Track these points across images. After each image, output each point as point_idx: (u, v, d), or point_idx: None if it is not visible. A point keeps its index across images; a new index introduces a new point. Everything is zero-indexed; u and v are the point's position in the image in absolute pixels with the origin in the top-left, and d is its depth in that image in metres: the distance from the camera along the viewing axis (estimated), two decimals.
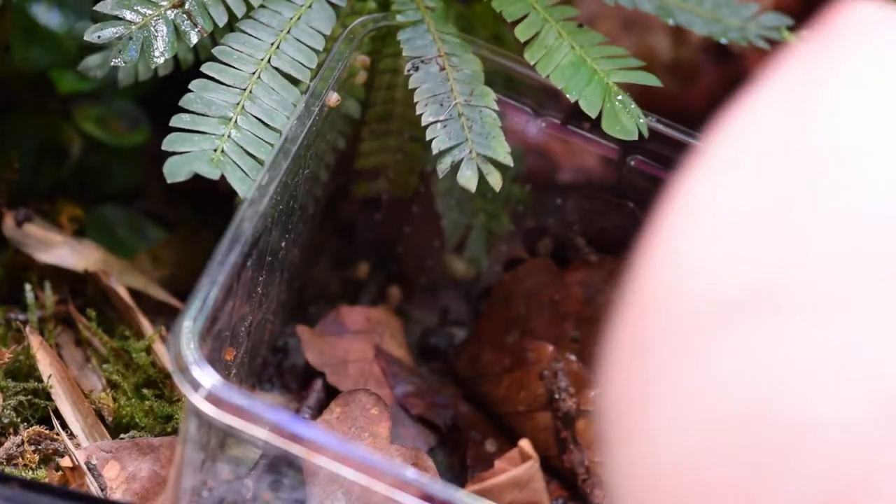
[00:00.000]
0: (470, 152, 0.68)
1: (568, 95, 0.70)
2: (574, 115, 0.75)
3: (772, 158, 0.41)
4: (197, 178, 0.65)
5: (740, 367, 0.38)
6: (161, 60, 0.68)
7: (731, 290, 0.39)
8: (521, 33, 0.72)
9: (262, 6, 0.71)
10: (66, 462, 0.70)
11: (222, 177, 0.65)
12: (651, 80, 0.71)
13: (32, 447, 0.71)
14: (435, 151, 0.68)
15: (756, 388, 0.37)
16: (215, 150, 0.65)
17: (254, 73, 0.69)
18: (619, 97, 0.69)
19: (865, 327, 0.37)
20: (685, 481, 0.38)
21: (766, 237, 0.39)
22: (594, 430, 0.43)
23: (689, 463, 0.38)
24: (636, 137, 0.69)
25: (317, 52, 0.71)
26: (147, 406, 0.74)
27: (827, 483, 0.36)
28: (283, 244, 0.71)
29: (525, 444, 0.70)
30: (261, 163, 0.66)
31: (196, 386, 0.56)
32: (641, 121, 0.69)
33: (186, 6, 0.69)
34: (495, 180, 0.68)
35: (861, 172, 0.39)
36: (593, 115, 0.69)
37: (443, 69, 0.71)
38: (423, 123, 0.69)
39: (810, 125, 0.41)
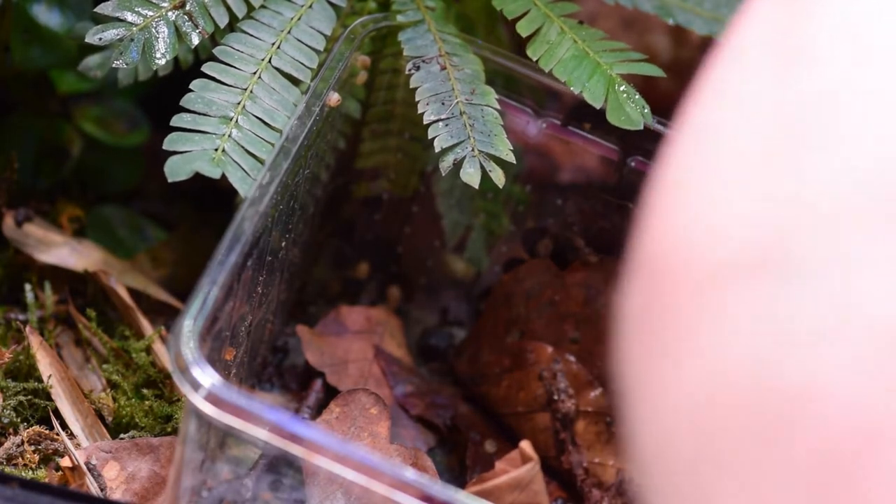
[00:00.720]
0: (472, 150, 0.68)
1: (571, 88, 0.69)
2: (574, 115, 0.75)
3: (760, 113, 0.41)
4: (197, 178, 0.65)
5: (741, 328, 0.38)
6: (162, 62, 0.68)
7: (731, 252, 0.39)
8: (522, 29, 0.72)
9: (262, 7, 0.71)
10: (66, 462, 0.70)
11: (223, 176, 0.65)
12: (654, 71, 0.71)
13: (32, 447, 0.71)
14: (437, 150, 0.68)
15: (757, 349, 0.38)
16: (216, 150, 0.66)
17: (255, 73, 0.69)
18: (623, 87, 0.69)
19: (864, 283, 0.37)
20: (693, 438, 0.38)
21: (762, 194, 0.39)
22: (609, 402, 0.44)
23: (695, 422, 0.39)
24: (641, 127, 0.69)
25: (317, 52, 0.71)
26: (147, 406, 0.74)
27: (837, 440, 0.36)
28: (283, 244, 0.71)
29: (526, 445, 0.70)
30: (261, 162, 0.66)
31: (196, 386, 0.56)
32: (646, 110, 0.69)
33: (187, 7, 0.69)
34: (498, 177, 0.68)
35: (851, 118, 0.39)
36: (597, 106, 0.69)
37: (444, 69, 0.71)
38: (425, 122, 0.69)
39: (796, 72, 0.41)
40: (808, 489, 0.36)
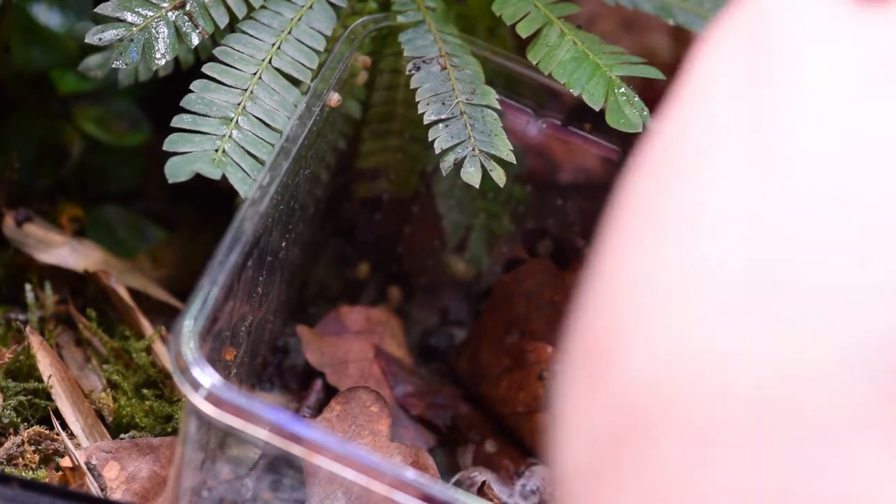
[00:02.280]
0: (473, 150, 0.68)
1: (571, 90, 0.69)
2: (574, 115, 0.75)
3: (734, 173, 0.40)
4: (197, 179, 0.65)
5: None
6: (162, 62, 0.68)
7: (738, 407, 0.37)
8: (522, 30, 0.72)
9: (262, 7, 0.71)
10: (66, 462, 0.70)
11: (223, 177, 0.65)
12: (654, 73, 0.71)
13: (32, 447, 0.71)
14: (437, 150, 0.68)
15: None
16: (216, 151, 0.66)
17: (255, 74, 0.69)
18: (622, 90, 0.69)
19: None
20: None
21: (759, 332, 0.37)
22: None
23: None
24: (640, 130, 0.68)
25: (318, 52, 0.71)
26: (147, 406, 0.74)
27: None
28: (283, 244, 0.71)
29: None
30: (262, 163, 0.66)
31: (196, 386, 0.56)
32: (645, 113, 0.69)
33: (188, 7, 0.69)
34: (499, 176, 0.68)
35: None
36: (596, 109, 0.69)
37: (444, 69, 0.71)
38: (426, 123, 0.69)
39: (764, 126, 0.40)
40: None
